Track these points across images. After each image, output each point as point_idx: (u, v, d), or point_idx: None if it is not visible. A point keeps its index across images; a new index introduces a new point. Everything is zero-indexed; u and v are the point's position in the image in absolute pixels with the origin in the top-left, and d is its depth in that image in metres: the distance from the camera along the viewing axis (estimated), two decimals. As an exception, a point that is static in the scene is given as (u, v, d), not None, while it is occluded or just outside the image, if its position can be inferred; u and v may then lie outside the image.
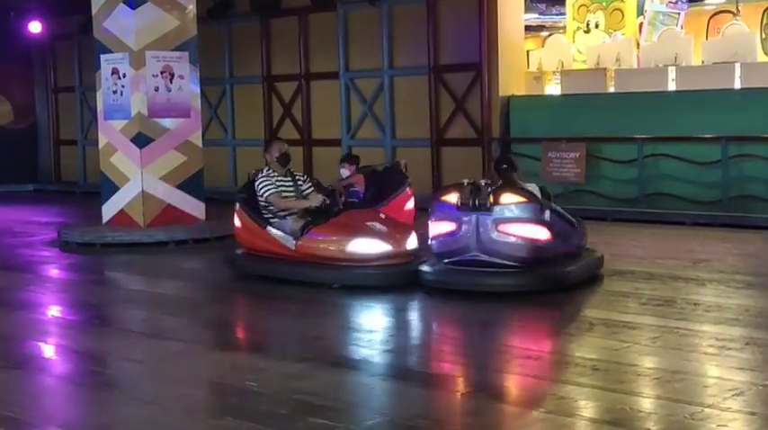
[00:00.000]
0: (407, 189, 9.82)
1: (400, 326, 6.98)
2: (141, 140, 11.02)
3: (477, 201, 7.30)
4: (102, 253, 10.52)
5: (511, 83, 13.61)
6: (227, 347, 6.28)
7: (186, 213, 11.28)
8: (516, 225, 7.29)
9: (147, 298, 8.38)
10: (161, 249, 10.54)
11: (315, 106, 15.76)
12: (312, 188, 8.61)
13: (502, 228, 7.28)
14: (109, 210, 11.35)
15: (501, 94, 13.49)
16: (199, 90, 11.65)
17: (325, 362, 5.65)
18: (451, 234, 7.45)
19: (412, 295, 7.57)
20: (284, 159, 8.47)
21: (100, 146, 11.52)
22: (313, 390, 5.04)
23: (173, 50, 11.19)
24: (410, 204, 9.79)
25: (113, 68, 11.16)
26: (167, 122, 11.17)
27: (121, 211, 11.21)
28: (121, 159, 11.19)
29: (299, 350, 6.07)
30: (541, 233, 7.36)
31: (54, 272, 9.78)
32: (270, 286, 8.24)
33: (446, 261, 7.58)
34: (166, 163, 11.16)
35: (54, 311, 7.89)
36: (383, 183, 9.78)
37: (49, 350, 6.44)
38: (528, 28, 14.79)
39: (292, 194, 8.42)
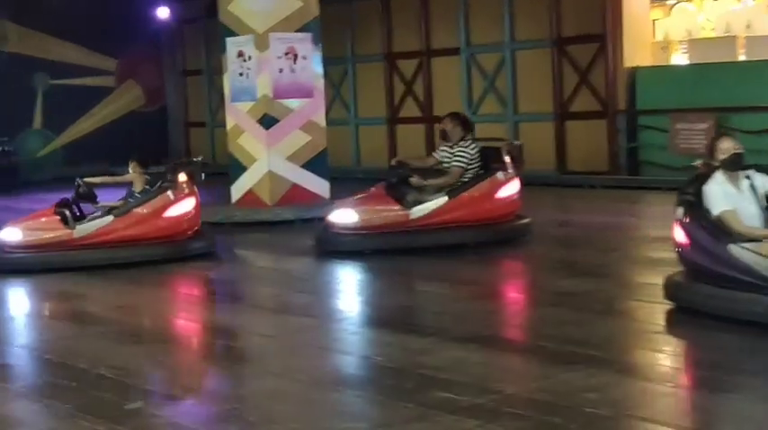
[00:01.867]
0: (500, 175, 8.92)
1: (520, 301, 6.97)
2: (267, 121, 11.25)
3: None
4: (231, 231, 10.80)
5: (636, 53, 13.32)
6: (353, 322, 6.39)
7: (311, 192, 11.47)
8: None
9: (275, 275, 8.58)
10: (287, 228, 10.76)
11: (436, 83, 15.77)
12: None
13: None
14: (237, 189, 11.63)
15: (626, 65, 13.23)
16: (322, 70, 11.80)
17: (449, 337, 5.70)
18: None
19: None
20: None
21: (227, 127, 11.80)
22: (438, 365, 5.10)
23: (296, 31, 11.35)
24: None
25: (239, 51, 11.39)
26: (292, 103, 11.36)
27: (249, 191, 11.47)
28: (248, 140, 11.43)
29: (423, 325, 6.14)
30: None
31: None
32: (388, 260, 8.34)
33: None
34: (292, 143, 11.36)
35: (187, 288, 8.17)
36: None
37: (183, 325, 6.68)
38: (654, -4, 14.45)
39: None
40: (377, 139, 16.44)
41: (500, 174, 8.91)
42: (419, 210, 8.62)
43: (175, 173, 8.97)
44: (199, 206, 9.12)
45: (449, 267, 8.12)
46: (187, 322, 6.75)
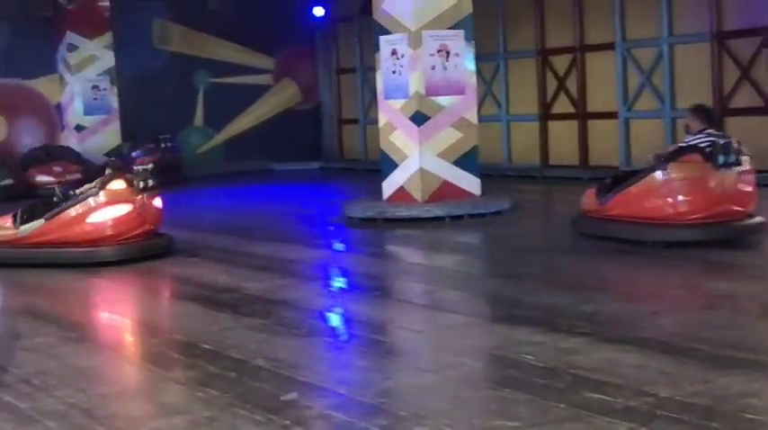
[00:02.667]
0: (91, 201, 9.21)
1: (680, 302, 6.78)
2: (419, 118, 11.32)
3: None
4: (382, 227, 10.93)
5: (803, 47, 12.77)
6: (504, 320, 6.36)
7: (462, 189, 11.48)
8: None
9: (426, 271, 8.64)
10: (438, 224, 10.80)
11: (589, 78, 15.51)
12: None
13: None
14: (389, 186, 11.75)
15: (792, 59, 12.71)
16: (474, 67, 11.79)
17: (602, 338, 5.61)
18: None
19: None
20: None
21: (380, 124, 11.93)
22: (590, 366, 5.03)
23: (449, 29, 11.38)
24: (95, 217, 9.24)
25: (392, 49, 11.50)
26: (444, 100, 11.39)
27: (401, 188, 11.57)
28: (400, 137, 11.53)
29: (575, 325, 6.06)
30: None
31: (338, 245, 10.28)
32: (544, 260, 8.26)
33: None
34: (443, 140, 11.39)
35: (339, 283, 8.32)
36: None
37: (335, 319, 6.81)
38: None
39: None
40: (528, 136, 16.30)
41: (91, 200, 9.13)
42: None
43: (106, 180, 9.19)
44: (139, 211, 9.25)
45: (603, 268, 7.99)
46: (339, 316, 6.88)
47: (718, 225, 8.27)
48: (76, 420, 4.68)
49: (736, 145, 8.37)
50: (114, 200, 9.15)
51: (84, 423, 4.65)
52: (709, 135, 8.51)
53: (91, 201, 9.13)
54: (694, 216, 8.27)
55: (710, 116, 8.89)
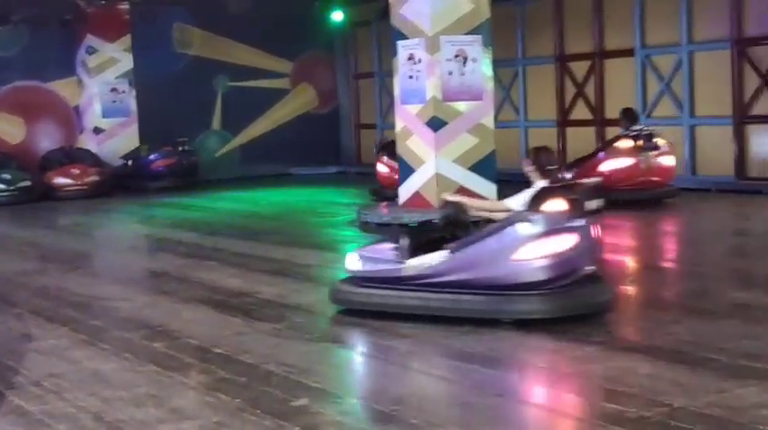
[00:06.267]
0: None
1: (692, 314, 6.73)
2: (436, 124, 11.27)
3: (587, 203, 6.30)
4: (396, 233, 10.87)
5: (824, 54, 12.68)
6: (514, 328, 6.28)
7: (478, 194, 11.42)
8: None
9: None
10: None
11: (608, 85, 15.44)
12: None
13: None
14: (405, 191, 11.70)
15: (812, 66, 12.61)
16: (491, 72, 11.74)
17: (616, 347, 5.57)
18: (574, 249, 6.20)
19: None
20: None
21: (396, 129, 11.89)
22: (604, 374, 4.99)
23: (466, 34, 11.34)
24: None
25: (410, 54, 11.45)
26: (461, 106, 11.34)
27: (416, 193, 11.53)
28: (417, 142, 11.49)
29: (589, 333, 6.01)
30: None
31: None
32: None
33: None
34: (459, 145, 11.33)
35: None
36: None
37: (348, 324, 6.78)
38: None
39: None
40: (546, 142, 16.18)
41: None
42: None
43: None
44: None
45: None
46: (352, 322, 6.84)
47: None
48: (86, 424, 4.68)
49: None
50: None
51: (93, 427, 4.64)
52: (636, 130, 12.06)
53: None
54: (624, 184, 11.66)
55: (635, 117, 12.62)
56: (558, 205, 6.24)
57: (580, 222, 6.24)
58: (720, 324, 6.12)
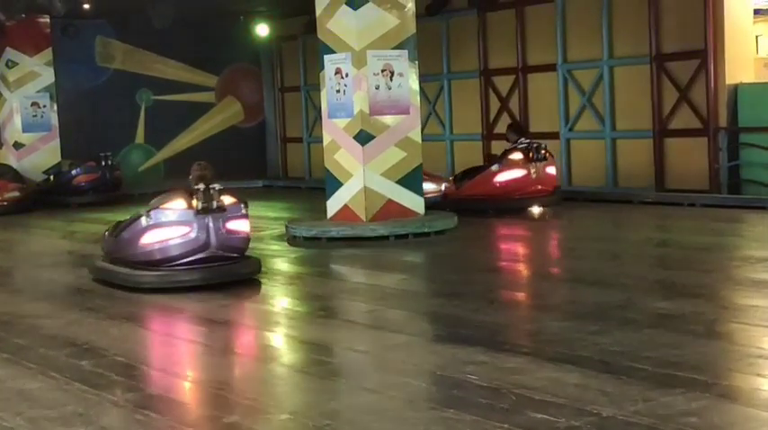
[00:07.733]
0: None
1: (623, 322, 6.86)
2: (363, 137, 11.33)
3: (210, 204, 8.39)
4: (326, 246, 10.90)
5: (738, 70, 13.04)
6: (447, 339, 6.37)
7: (406, 208, 11.50)
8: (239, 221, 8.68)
9: (370, 290, 8.62)
10: (382, 243, 10.80)
11: (532, 99, 15.68)
12: None
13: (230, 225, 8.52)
14: (333, 205, 11.73)
15: (728, 81, 12.96)
16: (418, 87, 11.84)
17: (544, 358, 5.64)
18: (185, 236, 8.25)
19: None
20: None
21: (324, 143, 11.92)
22: (533, 385, 5.05)
23: (393, 49, 11.43)
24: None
25: (336, 68, 11.51)
26: (388, 119, 11.43)
27: (345, 207, 11.56)
28: (344, 156, 11.53)
29: (517, 344, 6.09)
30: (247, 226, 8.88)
31: (282, 265, 10.23)
32: (488, 279, 8.28)
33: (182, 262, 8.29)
34: (387, 159, 11.42)
35: (282, 302, 8.27)
36: None
37: (277, 340, 6.76)
38: (757, 11, 14.11)
39: None
40: (472, 155, 16.39)
41: None
42: None
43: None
44: None
45: (526, 283, 8.04)
46: (280, 336, 6.82)
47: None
48: (12, 445, 4.58)
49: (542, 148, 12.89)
50: None
51: (20, 447, 4.55)
52: (525, 143, 13.00)
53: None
54: (518, 193, 12.85)
55: (522, 130, 13.72)
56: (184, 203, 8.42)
57: (197, 217, 8.27)
58: (645, 333, 6.25)
